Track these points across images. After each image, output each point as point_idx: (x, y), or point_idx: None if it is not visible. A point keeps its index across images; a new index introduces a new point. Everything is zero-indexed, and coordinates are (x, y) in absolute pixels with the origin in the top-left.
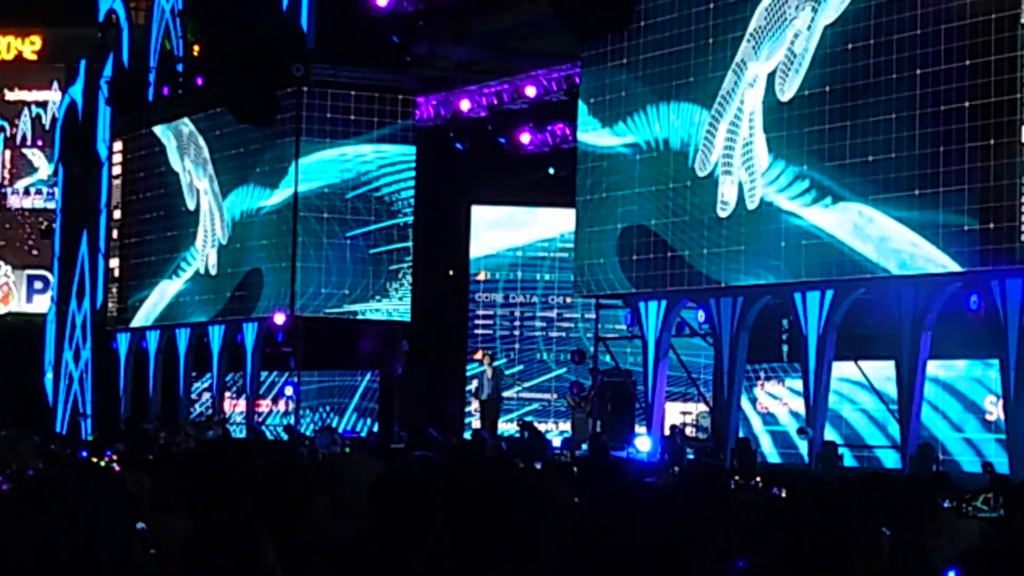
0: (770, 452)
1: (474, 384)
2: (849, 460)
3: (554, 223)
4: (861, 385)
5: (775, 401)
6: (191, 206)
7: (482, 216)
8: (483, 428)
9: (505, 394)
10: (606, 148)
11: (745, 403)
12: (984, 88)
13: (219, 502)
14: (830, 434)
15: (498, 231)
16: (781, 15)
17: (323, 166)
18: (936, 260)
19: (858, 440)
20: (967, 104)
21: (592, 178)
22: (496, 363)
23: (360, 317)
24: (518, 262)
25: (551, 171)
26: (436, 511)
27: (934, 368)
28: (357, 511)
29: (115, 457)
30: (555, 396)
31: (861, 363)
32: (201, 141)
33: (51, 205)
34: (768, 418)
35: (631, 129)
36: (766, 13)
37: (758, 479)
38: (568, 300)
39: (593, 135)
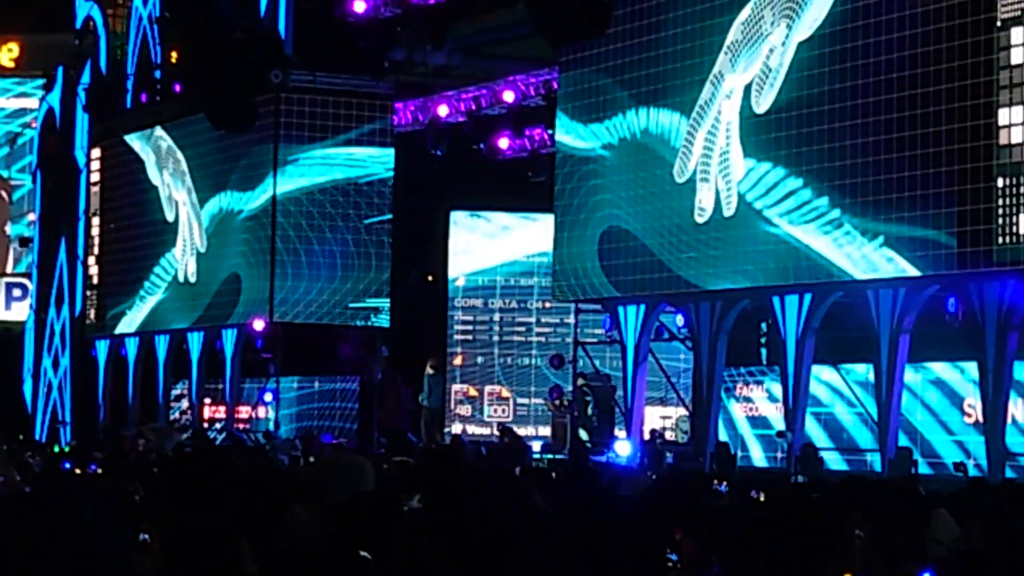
0: (758, 456)
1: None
2: (840, 463)
3: (535, 236)
4: (859, 386)
5: (764, 404)
6: (169, 218)
7: (462, 235)
8: (429, 433)
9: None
10: (585, 152)
11: (735, 406)
12: (960, 92)
13: (197, 509)
14: (821, 437)
15: (479, 250)
16: (757, 30)
17: (301, 172)
18: (911, 265)
19: (851, 443)
20: (943, 108)
21: (571, 183)
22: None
23: (339, 323)
24: (500, 275)
25: (537, 178)
26: (411, 519)
27: (941, 370)
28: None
29: (99, 471)
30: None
31: (852, 366)
32: (179, 155)
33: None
34: (756, 421)
35: (610, 133)
36: (742, 27)
37: (724, 482)
38: (547, 305)
39: (572, 139)
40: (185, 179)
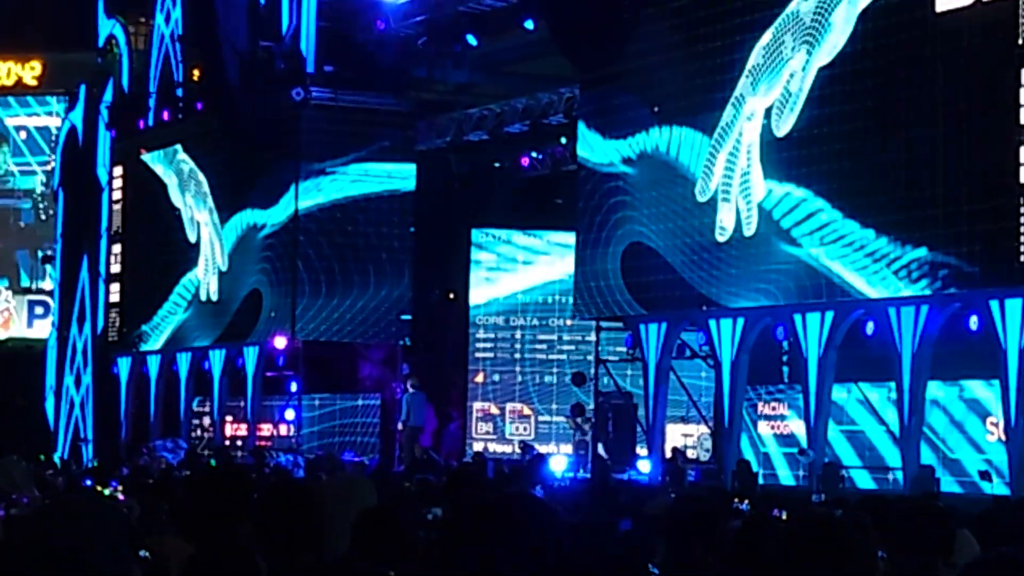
0: (785, 474)
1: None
2: (868, 482)
3: (558, 259)
4: (889, 404)
5: (795, 422)
6: (192, 239)
7: (483, 257)
8: (408, 450)
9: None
10: (607, 169)
11: (762, 424)
12: (982, 111)
13: (216, 526)
14: (850, 454)
15: (503, 278)
16: (778, 54)
17: (322, 189)
18: (932, 284)
19: (880, 460)
20: (965, 128)
21: (593, 200)
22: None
23: (360, 340)
24: (521, 294)
25: (559, 201)
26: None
27: (974, 387)
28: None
29: (120, 487)
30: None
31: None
32: (201, 177)
33: None
34: (784, 439)
35: (632, 150)
36: (763, 51)
37: (746, 502)
38: (569, 323)
39: (594, 156)
40: (207, 200)
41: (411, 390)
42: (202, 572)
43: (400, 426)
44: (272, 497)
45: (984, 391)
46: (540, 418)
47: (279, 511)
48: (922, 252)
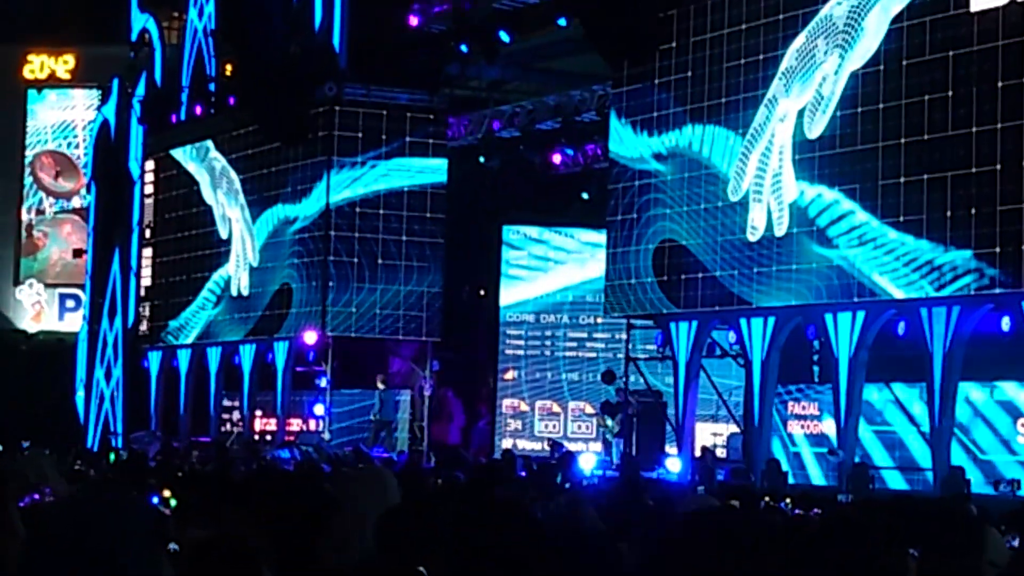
0: (816, 474)
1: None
2: (900, 483)
3: (589, 258)
4: (922, 404)
5: (829, 422)
6: (224, 235)
7: (513, 256)
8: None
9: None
10: (638, 165)
11: (793, 423)
12: (1012, 111)
13: (229, 522)
14: (882, 455)
15: (535, 279)
16: (811, 57)
17: (354, 185)
18: (962, 285)
19: (914, 462)
20: (998, 127)
21: (625, 197)
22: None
23: (390, 336)
24: (555, 298)
25: (585, 196)
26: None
27: (1011, 390)
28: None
29: (153, 480)
30: (581, 408)
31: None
32: (232, 174)
33: None
34: (816, 439)
35: (665, 147)
36: (797, 54)
37: (788, 500)
38: (599, 320)
39: (625, 151)
40: (238, 197)
41: (381, 386)
42: (205, 560)
43: (372, 418)
44: (287, 491)
45: (1019, 392)
46: (570, 415)
47: (293, 506)
48: (954, 254)
